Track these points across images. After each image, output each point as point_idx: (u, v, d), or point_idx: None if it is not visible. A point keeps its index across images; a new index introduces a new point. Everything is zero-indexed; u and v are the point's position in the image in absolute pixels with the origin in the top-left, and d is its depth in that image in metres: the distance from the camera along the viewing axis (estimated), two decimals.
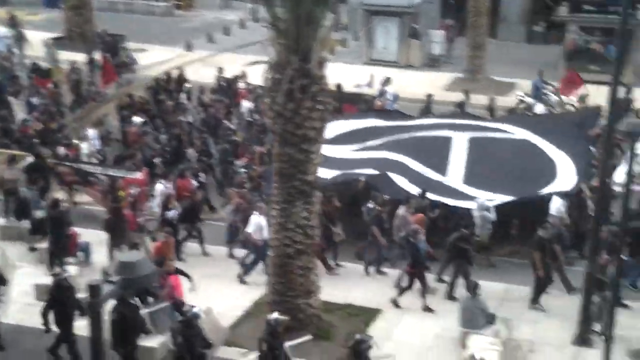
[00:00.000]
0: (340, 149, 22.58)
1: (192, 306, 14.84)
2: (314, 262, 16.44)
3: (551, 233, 17.90)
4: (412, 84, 32.08)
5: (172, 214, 19.71)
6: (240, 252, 19.62)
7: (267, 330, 14.04)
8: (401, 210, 19.41)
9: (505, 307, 17.51)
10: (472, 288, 16.23)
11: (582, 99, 28.20)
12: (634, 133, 13.17)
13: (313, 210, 16.04)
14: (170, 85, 30.67)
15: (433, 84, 34.00)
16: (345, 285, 18.62)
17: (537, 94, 29.58)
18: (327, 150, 22.54)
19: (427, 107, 28.24)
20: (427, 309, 17.51)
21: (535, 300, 17.65)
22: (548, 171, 21.21)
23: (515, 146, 22.33)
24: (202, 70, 32.64)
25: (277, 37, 15.20)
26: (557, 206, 19.50)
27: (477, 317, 16.09)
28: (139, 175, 21.57)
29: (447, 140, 22.39)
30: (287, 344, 14.33)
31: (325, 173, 21.30)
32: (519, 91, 30.41)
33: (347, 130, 23.93)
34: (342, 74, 30.80)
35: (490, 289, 17.80)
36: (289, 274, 16.06)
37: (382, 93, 29.71)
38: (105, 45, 35.45)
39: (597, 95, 27.76)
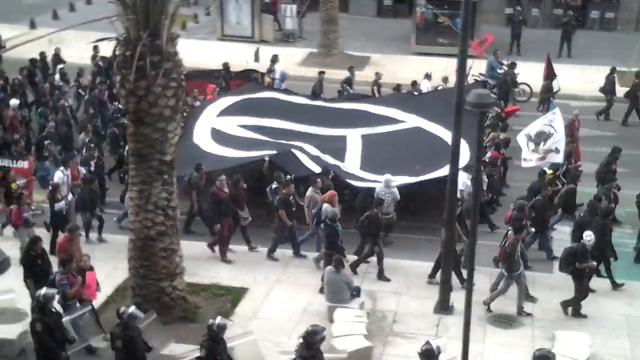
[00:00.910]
0: (228, 121, 22.59)
1: (128, 306, 13.75)
2: (176, 244, 16.05)
3: (463, 208, 17.99)
4: (268, 59, 31.78)
5: (60, 205, 18.56)
6: None
7: (209, 336, 13.20)
8: (309, 191, 19.19)
9: (369, 280, 17.75)
10: (337, 262, 16.30)
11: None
12: (481, 104, 13.34)
13: (173, 191, 15.68)
14: (47, 67, 29.05)
15: (288, 59, 33.89)
16: (210, 265, 18.37)
17: (492, 73, 29.52)
18: (215, 122, 22.51)
19: (319, 85, 27.87)
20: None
21: (462, 280, 17.40)
22: (443, 153, 21.52)
23: (408, 136, 22.57)
24: (49, 48, 31.22)
25: (125, 12, 14.70)
26: (463, 180, 19.70)
27: (342, 291, 16.21)
28: (24, 165, 20.27)
29: (342, 139, 22.56)
30: (230, 345, 13.64)
31: (214, 148, 21.36)
32: (474, 70, 29.00)
33: (236, 101, 23.76)
34: (196, 50, 30.28)
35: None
36: (152, 256, 15.63)
37: (270, 71, 29.24)
38: None
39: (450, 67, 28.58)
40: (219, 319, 13.38)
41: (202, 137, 21.97)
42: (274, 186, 19.44)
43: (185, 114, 23.95)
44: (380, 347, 15.41)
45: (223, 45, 36.17)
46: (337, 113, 24.04)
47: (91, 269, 15.51)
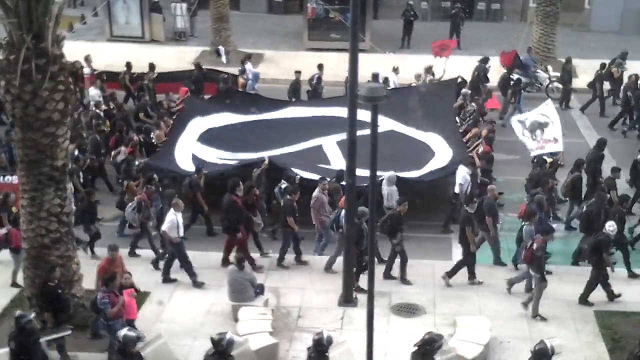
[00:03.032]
0: (208, 151, 22.39)
1: (223, 333, 12.82)
2: (72, 250, 15.64)
3: (483, 205, 17.91)
4: (159, 59, 31.36)
5: None
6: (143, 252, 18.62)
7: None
8: (316, 192, 18.68)
9: (273, 277, 17.70)
10: (238, 260, 16.19)
11: (429, 70, 28.22)
12: (373, 98, 13.44)
13: (66, 197, 15.28)
14: None
15: (181, 58, 33.64)
16: None
17: (527, 71, 29.50)
18: (195, 148, 22.40)
19: (294, 87, 27.61)
20: (359, 290, 16.86)
21: (472, 276, 17.43)
22: (423, 151, 21.92)
23: (382, 138, 22.46)
24: None
25: (6, 15, 14.27)
26: (463, 174, 19.73)
27: (246, 289, 16.11)
28: (13, 180, 18.98)
29: (319, 149, 22.58)
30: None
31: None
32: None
33: (213, 128, 23.62)
34: (85, 51, 29.62)
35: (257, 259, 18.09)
36: (47, 265, 15.14)
37: (242, 71, 28.83)
38: None
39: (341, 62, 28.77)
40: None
41: (184, 160, 21.76)
42: (283, 185, 19.07)
43: (173, 118, 23.97)
44: (286, 343, 15.40)
45: (113, 46, 35.51)
46: (308, 122, 23.99)
47: (132, 286, 15.02)
